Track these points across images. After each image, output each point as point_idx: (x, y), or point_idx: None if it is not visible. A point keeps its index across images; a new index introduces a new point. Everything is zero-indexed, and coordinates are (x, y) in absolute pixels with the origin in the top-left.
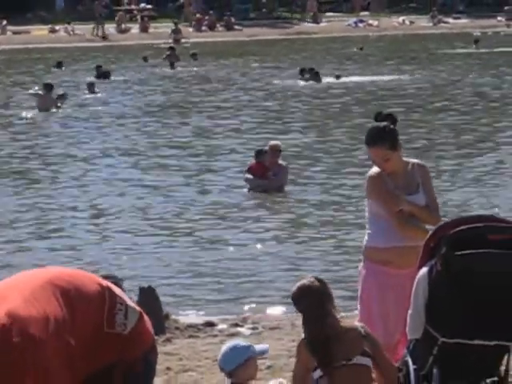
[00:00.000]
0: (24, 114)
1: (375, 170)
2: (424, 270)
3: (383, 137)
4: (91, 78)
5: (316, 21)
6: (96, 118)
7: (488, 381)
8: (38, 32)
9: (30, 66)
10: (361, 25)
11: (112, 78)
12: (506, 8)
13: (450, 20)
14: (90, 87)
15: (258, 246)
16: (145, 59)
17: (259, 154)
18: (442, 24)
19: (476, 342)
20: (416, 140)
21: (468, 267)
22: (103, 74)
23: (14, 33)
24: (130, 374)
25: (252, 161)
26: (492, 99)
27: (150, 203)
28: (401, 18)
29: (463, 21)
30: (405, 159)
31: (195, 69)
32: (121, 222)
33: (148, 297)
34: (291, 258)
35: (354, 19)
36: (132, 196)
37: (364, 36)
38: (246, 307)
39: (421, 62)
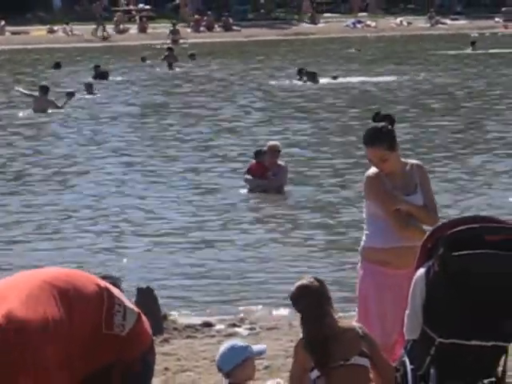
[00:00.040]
0: (21, 114)
1: (373, 170)
2: (421, 270)
3: (381, 137)
4: (89, 79)
5: (314, 22)
6: (94, 119)
7: (485, 381)
8: (37, 32)
9: (29, 66)
10: (359, 26)
11: (110, 78)
12: (503, 9)
13: (448, 21)
14: (88, 88)
15: (257, 246)
16: (143, 60)
17: (258, 154)
18: (440, 25)
19: (473, 342)
20: (413, 141)
21: (465, 268)
22: (101, 75)
23: (13, 33)
24: (129, 375)
25: (251, 161)
26: (488, 100)
27: (149, 204)
28: (398, 19)
29: (461, 22)
30: (403, 160)
31: (193, 69)
32: (119, 223)
33: (146, 297)
34: (290, 258)
35: (352, 20)
36: (130, 196)
37: (362, 37)
38: (244, 308)
39: (418, 62)
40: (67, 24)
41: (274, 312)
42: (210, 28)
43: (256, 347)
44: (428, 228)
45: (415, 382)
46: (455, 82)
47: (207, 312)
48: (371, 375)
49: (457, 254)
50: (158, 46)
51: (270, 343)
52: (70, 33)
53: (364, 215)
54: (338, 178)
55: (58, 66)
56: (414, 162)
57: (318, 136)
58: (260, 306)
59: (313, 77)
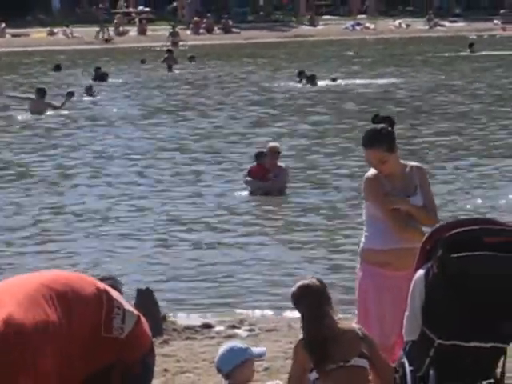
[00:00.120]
0: (20, 117)
1: (372, 172)
2: (420, 272)
3: (380, 139)
4: (89, 81)
5: (313, 24)
6: (94, 121)
7: (484, 383)
8: (37, 35)
9: (29, 68)
10: (358, 28)
11: (110, 80)
12: (501, 11)
13: (447, 23)
14: (88, 90)
15: (257, 248)
16: (142, 62)
17: (259, 156)
18: (439, 27)
19: (472, 344)
20: (412, 143)
21: (464, 270)
22: (100, 76)
23: (13, 35)
24: (129, 377)
25: (252, 163)
26: (487, 102)
27: (149, 205)
28: (397, 22)
29: (459, 24)
30: (402, 161)
31: (193, 71)
32: (119, 225)
33: (145, 298)
34: (290, 260)
35: (351, 22)
36: (130, 198)
37: (361, 39)
38: (243, 309)
39: (417, 64)
40: (67, 27)
41: (274, 314)
42: (209, 30)
43: (256, 349)
44: (427, 230)
45: (414, 383)
46: (453, 83)
47: (207, 313)
48: (370, 377)
49: (455, 255)
50: (158, 48)
51: (269, 345)
52: (70, 35)
53: (363, 217)
54: (338, 179)
55: (58, 68)
56: (414, 163)
57: (317, 138)
58: (259, 308)
59: (311, 79)
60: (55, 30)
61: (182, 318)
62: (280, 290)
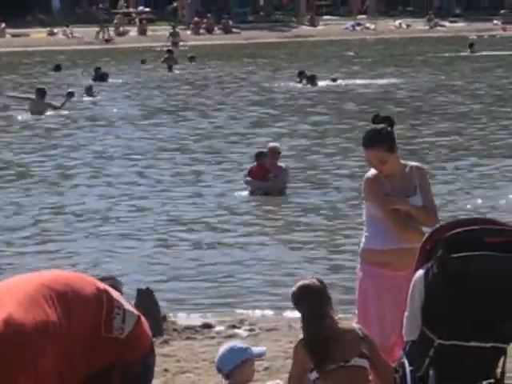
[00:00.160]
0: (20, 117)
1: (372, 172)
2: (420, 272)
3: (380, 139)
4: (89, 81)
5: (313, 24)
6: (94, 121)
7: (484, 383)
8: (37, 35)
9: (29, 68)
10: (358, 28)
11: (110, 80)
12: (502, 12)
13: (447, 23)
14: (88, 90)
15: (258, 248)
16: (143, 62)
17: (259, 156)
18: (439, 27)
19: (472, 343)
20: (412, 143)
21: (464, 270)
22: (100, 77)
23: (13, 35)
24: (129, 377)
25: (252, 163)
26: (487, 102)
27: (149, 206)
28: (397, 22)
29: (459, 24)
30: (402, 162)
31: (193, 71)
32: (119, 225)
33: (146, 298)
34: (290, 260)
35: (352, 22)
36: (130, 198)
37: (361, 39)
38: (244, 309)
39: (417, 65)
40: (67, 27)
41: (274, 313)
42: (209, 30)
43: (256, 349)
44: (427, 230)
45: (414, 383)
46: (453, 84)
47: (207, 313)
48: (370, 377)
49: (456, 255)
50: (158, 49)
51: (269, 344)
52: (70, 35)
53: (363, 217)
54: (339, 179)
55: (58, 68)
56: (414, 163)
57: (317, 138)
58: (259, 308)
59: (312, 79)
60: (55, 30)
61: (182, 318)
62: (280, 290)
